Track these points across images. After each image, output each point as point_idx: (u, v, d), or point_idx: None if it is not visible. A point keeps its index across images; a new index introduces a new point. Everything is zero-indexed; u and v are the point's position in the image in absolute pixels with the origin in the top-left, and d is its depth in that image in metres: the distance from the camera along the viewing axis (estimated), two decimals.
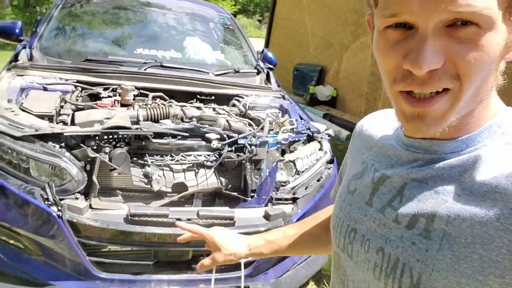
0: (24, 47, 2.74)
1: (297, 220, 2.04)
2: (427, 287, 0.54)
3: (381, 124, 0.75)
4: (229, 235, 1.01)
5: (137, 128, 1.98)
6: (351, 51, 6.05)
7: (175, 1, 3.98)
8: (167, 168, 2.05)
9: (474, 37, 0.50)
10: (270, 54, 3.57)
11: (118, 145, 1.94)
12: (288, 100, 2.88)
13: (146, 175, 1.98)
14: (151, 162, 2.00)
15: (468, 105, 0.54)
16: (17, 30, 2.99)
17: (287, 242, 0.97)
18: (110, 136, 1.92)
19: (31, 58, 2.61)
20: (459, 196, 0.54)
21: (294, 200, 2.15)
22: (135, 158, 2.00)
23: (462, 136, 0.57)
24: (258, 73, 3.17)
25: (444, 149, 0.58)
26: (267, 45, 9.15)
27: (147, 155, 2.01)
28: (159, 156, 2.05)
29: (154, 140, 2.02)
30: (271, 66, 3.46)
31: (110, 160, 1.88)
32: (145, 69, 2.69)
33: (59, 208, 1.75)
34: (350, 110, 5.98)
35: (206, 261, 0.99)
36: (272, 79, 3.16)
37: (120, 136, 1.93)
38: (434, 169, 0.58)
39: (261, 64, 3.30)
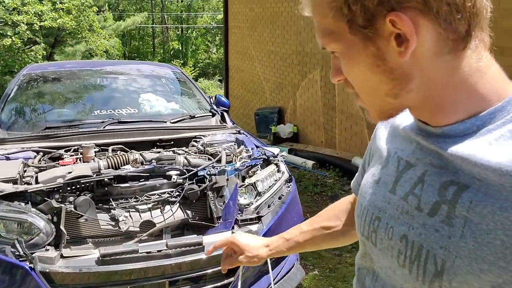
0: None
1: (263, 235, 2.14)
2: (451, 274, 0.54)
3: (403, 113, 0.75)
4: (250, 238, 1.05)
5: (98, 175, 2.09)
6: (302, 88, 6.43)
7: (128, 65, 4.23)
8: (133, 209, 2.15)
9: (341, 57, 0.60)
10: (222, 98, 3.79)
11: (82, 194, 2.04)
12: (243, 133, 3.07)
13: (113, 218, 2.06)
14: (116, 205, 2.10)
15: (390, 103, 0.59)
16: None
17: (304, 238, 1.00)
18: (73, 187, 2.02)
19: None
20: (480, 180, 0.53)
21: (258, 218, 2.26)
22: (100, 204, 2.09)
23: (472, 118, 0.56)
24: (213, 115, 3.37)
25: (456, 132, 0.57)
26: (226, 98, 9.52)
27: (111, 200, 2.11)
28: (123, 199, 2.15)
29: (116, 185, 2.13)
30: (225, 109, 3.68)
31: (75, 208, 1.97)
32: (104, 127, 2.83)
33: (31, 260, 1.80)
34: (312, 142, 6.24)
35: (225, 265, 1.07)
36: (227, 118, 3.36)
37: (83, 185, 2.03)
38: (451, 155, 0.57)
39: (215, 107, 3.51)
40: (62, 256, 1.90)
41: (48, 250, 1.89)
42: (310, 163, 5.29)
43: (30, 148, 2.53)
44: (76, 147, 2.57)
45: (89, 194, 2.04)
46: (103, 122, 2.91)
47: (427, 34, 0.52)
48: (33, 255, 1.82)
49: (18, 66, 12.46)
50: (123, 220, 2.06)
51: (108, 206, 2.09)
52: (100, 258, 1.85)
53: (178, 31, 31.23)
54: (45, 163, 2.42)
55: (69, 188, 2.02)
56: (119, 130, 2.78)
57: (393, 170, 0.67)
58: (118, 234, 2.08)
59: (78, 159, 2.48)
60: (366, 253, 0.73)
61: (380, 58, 0.55)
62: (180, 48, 29.84)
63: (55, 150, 2.53)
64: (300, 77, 6.47)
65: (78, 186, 2.03)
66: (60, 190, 2.01)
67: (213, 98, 3.78)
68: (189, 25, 30.42)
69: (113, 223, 2.06)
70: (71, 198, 1.99)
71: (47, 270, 1.79)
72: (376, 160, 0.75)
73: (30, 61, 12.75)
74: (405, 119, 0.71)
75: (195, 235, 2.10)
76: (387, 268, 0.66)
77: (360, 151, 4.99)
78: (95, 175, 2.11)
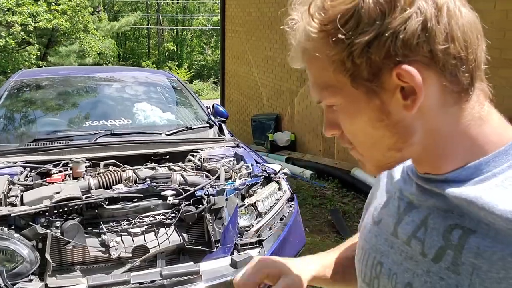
0: None
1: None
2: None
3: None
4: (290, 263, 0.80)
5: (87, 197, 1.94)
6: (300, 95, 6.31)
7: (121, 72, 4.08)
8: (125, 233, 2.00)
9: (340, 111, 0.57)
10: (220, 108, 3.65)
11: (70, 217, 1.89)
12: (242, 147, 2.93)
13: (103, 244, 1.92)
14: (107, 229, 1.95)
15: (392, 156, 0.57)
16: None
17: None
18: (60, 210, 1.87)
19: None
20: (487, 225, 0.50)
21: (259, 243, 2.13)
22: (89, 228, 1.94)
23: (473, 162, 0.55)
24: (211, 126, 3.23)
25: (459, 177, 0.55)
26: (222, 102, 9.38)
27: (101, 223, 1.96)
28: (115, 222, 2.01)
29: (107, 207, 1.98)
30: (223, 119, 3.54)
31: (62, 234, 1.82)
32: (95, 140, 2.68)
33: None
34: (310, 151, 6.12)
35: None
36: (225, 130, 3.23)
37: (71, 207, 1.88)
38: (457, 198, 0.54)
39: (213, 118, 3.37)
40: (46, 287, 1.75)
41: (32, 280, 1.74)
42: (308, 173, 5.17)
43: (16, 162, 2.38)
44: (65, 161, 2.42)
45: (78, 218, 1.89)
46: (95, 134, 2.76)
47: (432, 86, 0.52)
48: (15, 286, 1.67)
49: (11, 67, 12.26)
50: (114, 246, 1.92)
51: (98, 230, 1.95)
52: None
53: (173, 32, 31.08)
54: (31, 180, 2.27)
55: (56, 211, 1.87)
56: (112, 144, 2.63)
57: (394, 211, 0.64)
58: (108, 260, 1.94)
59: (67, 175, 2.33)
60: None
61: (384, 112, 0.54)
62: (175, 50, 29.68)
63: (42, 166, 2.37)
64: (298, 83, 6.34)
65: (65, 209, 1.88)
66: (46, 214, 1.86)
67: (211, 107, 3.64)
68: (184, 27, 30.28)
69: (103, 249, 1.91)
70: (58, 223, 1.84)
71: None
72: (376, 201, 0.72)
73: (24, 61, 12.58)
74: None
75: (192, 263, 1.96)
76: None
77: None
78: (84, 196, 1.96)
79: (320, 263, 0.84)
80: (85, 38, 14.90)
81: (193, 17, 30.64)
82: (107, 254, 1.90)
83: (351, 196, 4.55)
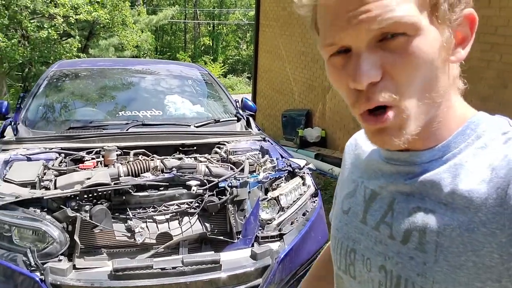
0: (10, 124, 2.85)
1: (284, 256, 2.02)
2: None
3: (366, 141, 0.69)
4: None
5: (116, 183, 2.01)
6: (332, 91, 6.23)
7: (155, 64, 4.18)
8: (150, 220, 2.06)
9: (404, 45, 0.51)
10: (249, 102, 3.68)
11: (99, 202, 1.97)
12: (268, 141, 2.95)
13: (129, 229, 1.99)
14: (133, 215, 2.02)
15: (424, 111, 0.54)
16: (3, 109, 3.12)
17: None
18: (90, 195, 1.95)
19: (16, 132, 2.70)
20: (446, 205, 0.54)
21: (280, 236, 2.14)
22: (117, 214, 2.02)
23: (438, 145, 0.58)
24: (238, 120, 3.26)
25: (422, 159, 0.59)
26: (254, 97, 9.40)
27: (128, 209, 2.03)
28: (141, 209, 2.08)
29: (134, 194, 2.05)
30: (251, 113, 3.56)
31: (90, 217, 1.90)
32: (127, 129, 2.77)
33: (42, 272, 1.75)
34: (340, 148, 6.05)
35: None
36: (252, 124, 3.25)
37: (100, 193, 1.96)
38: (418, 181, 0.58)
39: (241, 111, 3.40)
40: (74, 267, 1.84)
41: (61, 260, 1.83)
42: (337, 170, 5.11)
43: (52, 149, 2.50)
44: (98, 149, 2.52)
45: (106, 203, 1.97)
46: (127, 123, 2.85)
47: None
48: (45, 265, 1.77)
49: (53, 58, 12.77)
50: (139, 232, 1.98)
51: (124, 216, 2.02)
52: (113, 273, 1.78)
53: (209, 27, 31.36)
54: (65, 166, 2.38)
55: (86, 196, 1.96)
56: (143, 134, 2.71)
57: (361, 200, 0.67)
58: (133, 245, 2.01)
59: (99, 163, 2.43)
60: (345, 287, 0.71)
61: (447, 50, 0.54)
62: (211, 44, 29.95)
63: (76, 153, 2.48)
64: None
65: (95, 194, 1.97)
66: (77, 198, 1.95)
67: (240, 101, 3.67)
68: (220, 21, 30.49)
69: (129, 234, 1.98)
70: (87, 207, 1.92)
71: (58, 283, 1.73)
72: (343, 190, 0.74)
73: (65, 53, 13.06)
74: (365, 146, 0.73)
75: (213, 252, 1.99)
76: None
77: None
78: (113, 183, 2.04)
79: None
80: (123, 32, 15.26)
81: (230, 11, 30.80)
82: (132, 239, 1.97)
83: None
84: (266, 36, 8.69)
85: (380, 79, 0.52)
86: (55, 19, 12.02)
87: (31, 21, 12.15)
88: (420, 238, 0.56)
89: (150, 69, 3.84)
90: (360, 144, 0.76)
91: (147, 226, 2.04)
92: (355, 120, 0.59)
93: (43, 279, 1.73)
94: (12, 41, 11.86)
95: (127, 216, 2.02)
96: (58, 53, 12.75)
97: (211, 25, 31.05)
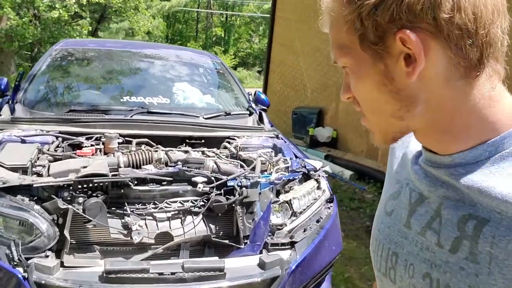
0: (8, 102, 2.67)
1: (295, 267, 1.82)
2: None
3: (413, 140, 0.69)
4: None
5: (114, 175, 1.82)
6: None
7: (166, 49, 3.98)
8: (150, 217, 1.88)
9: (350, 73, 0.59)
10: (262, 96, 3.47)
11: (94, 194, 1.78)
12: (282, 139, 2.75)
13: (126, 226, 1.80)
14: (131, 211, 1.83)
15: (412, 121, 0.56)
16: (2, 86, 2.94)
17: None
18: (85, 185, 1.77)
19: (13, 112, 2.52)
20: (499, 214, 0.50)
21: (292, 244, 1.94)
22: (113, 208, 1.83)
23: (483, 144, 0.54)
24: (251, 114, 3.06)
25: (466, 159, 0.55)
26: (265, 91, 9.18)
27: (126, 204, 1.84)
28: (140, 204, 1.89)
29: (134, 187, 1.86)
30: (264, 107, 3.36)
31: (84, 211, 1.71)
32: (131, 116, 2.58)
33: (25, 268, 1.56)
34: (351, 150, 5.83)
35: None
36: (265, 120, 3.05)
37: (96, 184, 1.77)
38: (468, 186, 0.54)
39: (253, 105, 3.20)
40: (62, 265, 1.65)
41: (48, 256, 1.65)
42: (348, 173, 4.91)
43: (49, 132, 2.31)
44: (98, 136, 2.33)
45: (102, 196, 1.78)
46: (131, 110, 2.66)
47: (437, 57, 0.52)
48: (29, 261, 1.58)
49: (63, 39, 12.62)
50: (137, 230, 1.79)
51: (122, 211, 1.83)
52: (105, 275, 1.59)
53: (222, 17, 31.08)
54: (62, 151, 2.19)
55: (80, 186, 1.77)
56: (147, 121, 2.52)
57: (405, 203, 0.64)
58: (129, 244, 1.82)
59: (98, 150, 2.24)
60: None
61: (387, 77, 0.55)
62: (223, 35, 29.67)
63: (75, 137, 2.29)
64: None
65: (90, 185, 1.78)
66: (70, 188, 1.76)
67: (252, 94, 3.47)
68: (234, 12, 30.19)
69: (125, 232, 1.79)
70: (81, 199, 1.74)
71: (43, 282, 1.55)
72: (387, 190, 0.72)
73: (75, 35, 12.90)
74: (411, 146, 0.70)
75: (217, 258, 1.80)
76: None
77: None
78: (111, 174, 1.85)
79: None
80: (135, 17, 15.09)
81: (244, 3, 30.47)
82: (129, 238, 1.79)
83: None
84: (282, 29, 8.45)
85: (353, 96, 0.61)
86: (66, 0, 11.85)
87: (43, 0, 11.98)
88: (471, 248, 0.52)
89: (159, 54, 3.64)
90: (409, 141, 0.72)
91: (146, 224, 1.84)
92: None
93: (26, 276, 1.55)
94: (24, 19, 11.72)
95: (125, 212, 1.83)
96: (68, 34, 12.59)
97: (224, 15, 30.76)
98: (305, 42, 7.35)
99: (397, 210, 0.66)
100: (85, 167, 1.90)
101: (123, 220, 1.81)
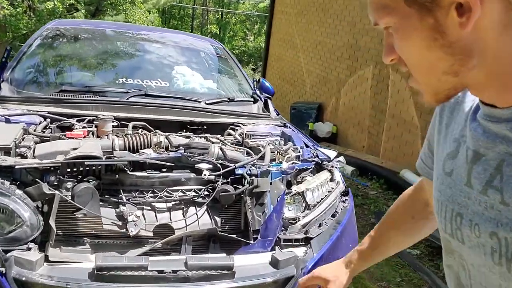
0: None
1: (312, 267, 1.62)
2: None
3: (469, 96, 0.67)
4: (335, 269, 1.02)
5: (108, 157, 1.60)
6: (348, 85, 5.83)
7: (164, 33, 3.75)
8: (148, 207, 1.66)
9: (395, 33, 0.57)
10: (267, 84, 3.27)
11: (85, 179, 1.56)
12: (290, 127, 2.54)
13: (121, 216, 1.58)
14: (127, 199, 1.61)
15: (468, 76, 0.54)
16: None
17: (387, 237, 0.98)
18: (75, 169, 1.54)
19: None
20: None
21: (307, 240, 1.74)
22: (107, 196, 1.61)
23: None
24: (255, 101, 2.86)
25: None
26: None
27: (121, 191, 1.62)
28: (137, 192, 1.67)
29: (131, 173, 1.64)
30: (268, 96, 3.15)
31: (72, 198, 1.49)
32: (127, 98, 2.36)
33: (3, 262, 1.34)
34: (352, 146, 5.66)
35: None
36: (271, 107, 2.85)
37: (87, 167, 1.55)
38: None
39: (258, 92, 2.99)
40: (47, 260, 1.43)
41: (30, 249, 1.42)
42: (349, 169, 4.73)
43: (37, 111, 2.08)
44: (91, 118, 2.11)
45: (94, 181, 1.55)
46: (127, 92, 2.43)
47: (492, 4, 0.49)
48: (8, 254, 1.36)
49: None
50: (133, 221, 1.57)
51: (116, 200, 1.61)
52: (96, 272, 1.37)
53: (218, 15, 30.82)
54: (50, 132, 1.96)
55: (69, 170, 1.54)
56: (145, 104, 2.30)
57: (463, 161, 0.63)
58: (125, 237, 1.60)
59: (90, 133, 2.02)
60: (454, 250, 0.67)
61: (438, 31, 0.52)
62: (218, 33, 29.40)
63: (65, 119, 2.07)
64: (348, 72, 5.86)
65: (81, 169, 1.55)
66: (58, 171, 1.54)
67: (257, 81, 3.26)
68: (229, 10, 29.94)
69: (120, 223, 1.57)
70: (70, 184, 1.51)
71: (23, 278, 1.32)
72: (444, 149, 0.69)
73: None
74: (467, 102, 0.67)
75: (224, 255, 1.59)
76: (480, 266, 0.62)
77: (409, 163, 4.38)
78: (105, 157, 1.63)
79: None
80: (131, 11, 14.82)
81: (240, 1, 30.24)
82: (124, 230, 1.57)
83: None
84: (281, 23, 8.25)
85: (398, 57, 0.59)
86: None
87: None
88: None
89: (158, 37, 3.41)
90: (463, 95, 0.69)
91: (143, 215, 1.63)
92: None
93: (4, 271, 1.33)
94: (18, 10, 11.38)
95: (120, 200, 1.60)
96: None
97: (220, 13, 30.49)
98: (305, 36, 7.17)
99: (457, 170, 0.64)
100: (75, 149, 1.68)
101: (117, 210, 1.59)
